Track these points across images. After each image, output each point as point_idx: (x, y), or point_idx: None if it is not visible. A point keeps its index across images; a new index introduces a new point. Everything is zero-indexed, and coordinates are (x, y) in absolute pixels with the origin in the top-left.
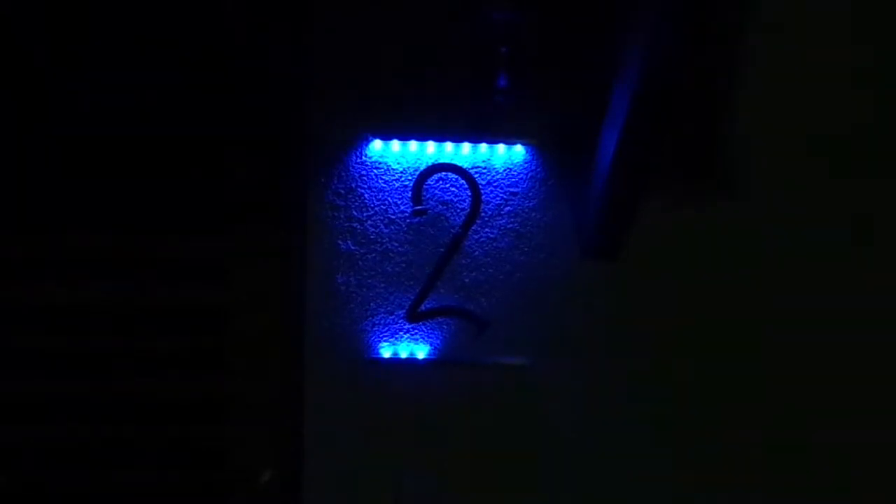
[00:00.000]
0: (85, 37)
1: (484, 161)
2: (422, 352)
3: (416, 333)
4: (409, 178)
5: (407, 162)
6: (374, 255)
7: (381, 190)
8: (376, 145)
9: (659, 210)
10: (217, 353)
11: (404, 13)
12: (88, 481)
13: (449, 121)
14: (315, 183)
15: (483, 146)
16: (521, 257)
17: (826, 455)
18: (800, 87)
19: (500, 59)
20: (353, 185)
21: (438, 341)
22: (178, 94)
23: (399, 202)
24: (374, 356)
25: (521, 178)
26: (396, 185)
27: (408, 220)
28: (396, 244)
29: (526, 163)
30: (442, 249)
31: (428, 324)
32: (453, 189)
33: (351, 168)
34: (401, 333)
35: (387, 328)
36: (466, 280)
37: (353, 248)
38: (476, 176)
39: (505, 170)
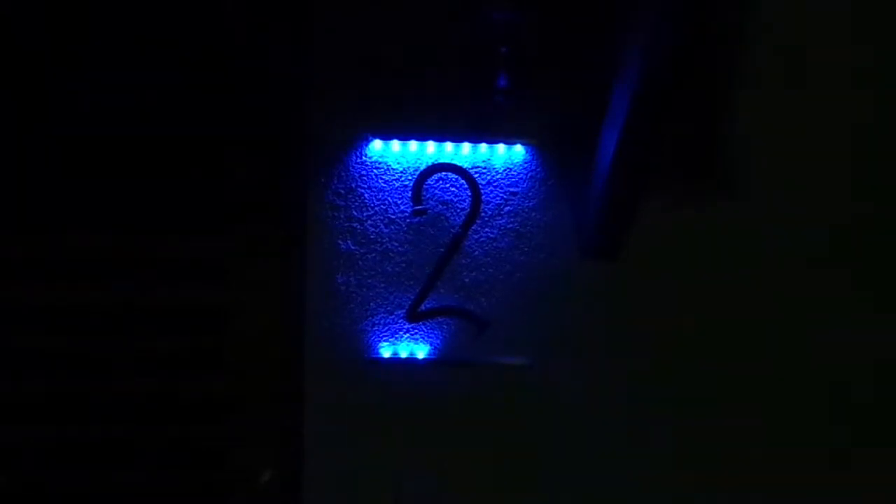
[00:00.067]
0: (85, 37)
1: (484, 161)
2: (422, 352)
3: (416, 333)
4: (409, 178)
5: (407, 162)
6: (374, 255)
7: (381, 190)
8: (376, 145)
9: (659, 210)
10: (217, 353)
11: (404, 13)
12: (88, 481)
13: (449, 121)
14: (315, 183)
15: (483, 146)
16: (521, 257)
17: (826, 455)
18: (800, 87)
19: (500, 59)
20: (353, 185)
21: (438, 341)
22: (178, 94)
23: (399, 202)
24: (374, 356)
25: (521, 178)
26: (396, 185)
27: (408, 220)
28: (396, 244)
29: (526, 163)
30: (442, 249)
31: (428, 324)
32: (453, 189)
33: (351, 168)
34: (401, 333)
35: (387, 328)
36: (466, 280)
37: (353, 248)
38: (476, 176)
39: (505, 170)
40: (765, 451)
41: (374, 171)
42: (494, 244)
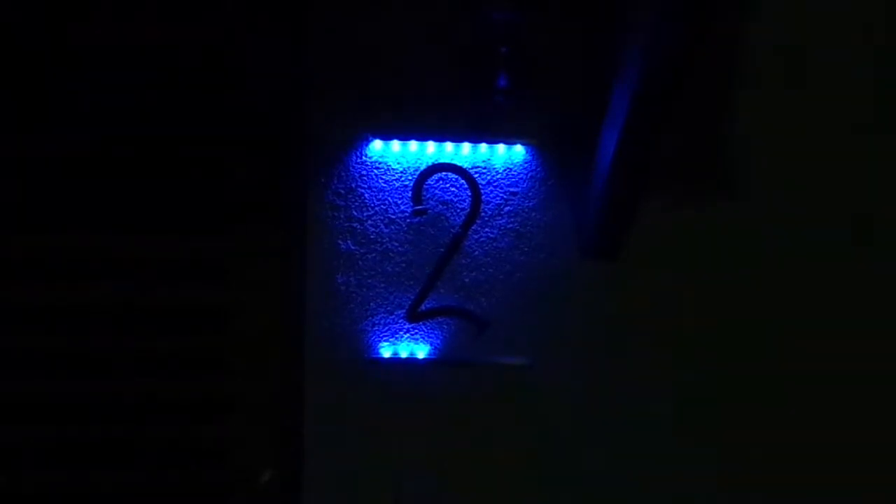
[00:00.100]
0: (85, 37)
1: (484, 161)
2: (422, 352)
3: (416, 333)
4: (409, 178)
5: (407, 162)
6: (374, 255)
7: (381, 190)
8: (376, 145)
9: (659, 210)
10: (217, 353)
11: (404, 13)
12: (88, 481)
13: (449, 121)
14: (315, 183)
15: (483, 146)
16: (521, 257)
17: (826, 455)
18: (800, 87)
19: (500, 59)
20: (353, 185)
21: (438, 341)
22: (179, 94)
23: (399, 202)
24: (374, 356)
25: (521, 178)
26: (396, 185)
27: (408, 220)
28: (396, 244)
29: (526, 163)
30: (442, 249)
31: (428, 324)
32: (453, 189)
33: (351, 168)
34: (401, 333)
35: (387, 328)
36: (466, 280)
37: (353, 248)
38: (476, 176)
39: (505, 170)
40: (765, 451)
41: (374, 171)
42: (494, 244)
